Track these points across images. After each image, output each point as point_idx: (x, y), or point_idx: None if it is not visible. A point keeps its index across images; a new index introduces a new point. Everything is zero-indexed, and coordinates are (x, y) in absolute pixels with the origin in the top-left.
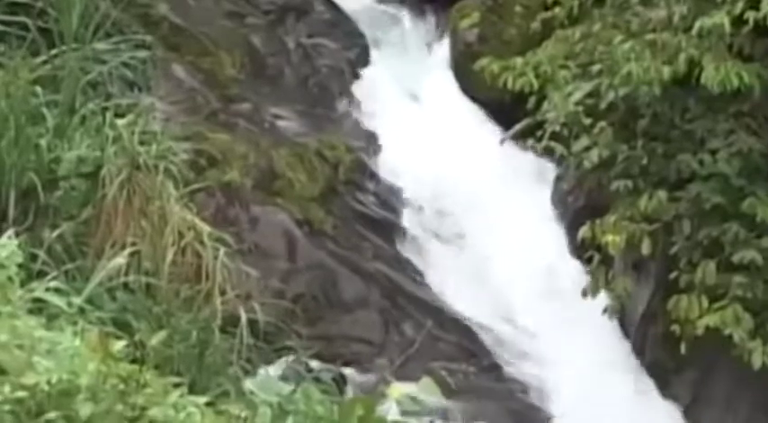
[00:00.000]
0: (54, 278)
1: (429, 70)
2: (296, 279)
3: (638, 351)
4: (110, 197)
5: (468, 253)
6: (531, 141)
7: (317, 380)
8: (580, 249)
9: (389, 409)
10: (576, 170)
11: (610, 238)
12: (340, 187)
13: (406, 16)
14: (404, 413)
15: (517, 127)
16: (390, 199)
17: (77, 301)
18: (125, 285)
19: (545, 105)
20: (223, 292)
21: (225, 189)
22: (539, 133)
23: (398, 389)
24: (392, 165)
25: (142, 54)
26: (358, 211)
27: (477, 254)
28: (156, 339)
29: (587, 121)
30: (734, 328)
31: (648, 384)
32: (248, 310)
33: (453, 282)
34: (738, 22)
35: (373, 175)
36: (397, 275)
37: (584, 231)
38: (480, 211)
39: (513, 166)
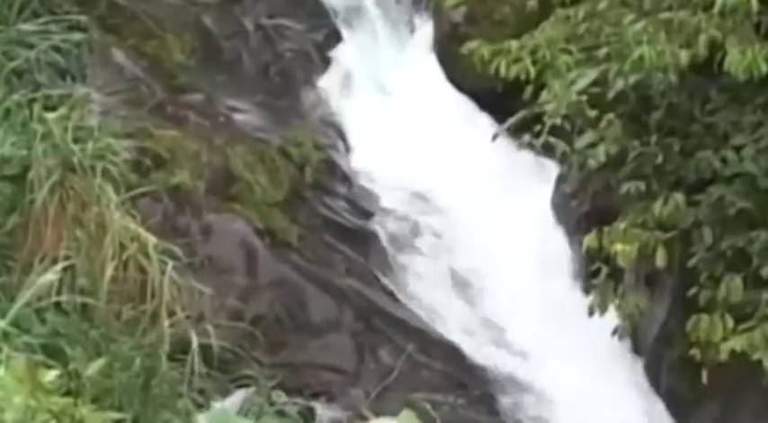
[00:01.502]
0: None
1: (409, 54)
2: (256, 298)
3: (652, 379)
4: (39, 203)
5: (456, 267)
6: (527, 137)
7: (281, 414)
8: (585, 261)
9: None
10: (580, 170)
11: (619, 247)
12: (307, 191)
13: None
14: None
15: (511, 121)
16: (365, 205)
17: (1, 323)
18: (57, 305)
19: (544, 95)
20: (171, 313)
21: (173, 193)
22: (536, 128)
23: None
24: (367, 165)
25: (76, 37)
26: (328, 218)
27: (465, 267)
28: (93, 368)
29: (593, 113)
30: (763, 353)
31: (664, 417)
32: (201, 334)
33: (438, 299)
34: None
35: (345, 178)
36: (373, 293)
37: (589, 240)
38: (469, 219)
39: (506, 166)
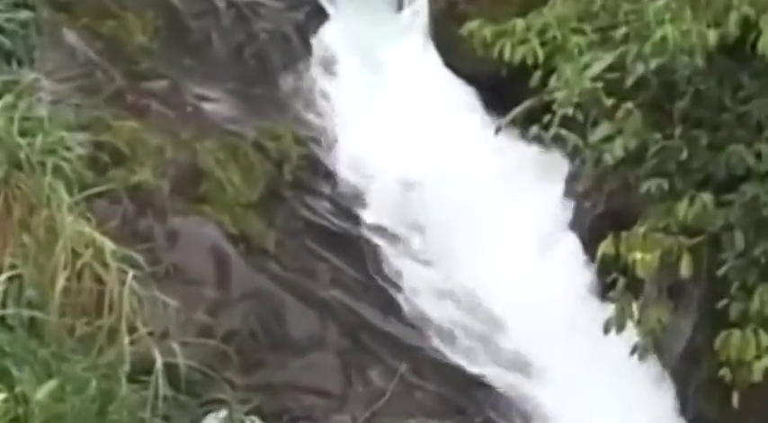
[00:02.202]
0: None
1: (401, 36)
2: (228, 311)
3: (678, 402)
4: None
5: (455, 276)
6: (534, 129)
7: None
8: (600, 270)
9: None
10: (595, 166)
11: (639, 255)
12: (285, 191)
13: None
14: None
15: (517, 110)
16: (352, 205)
17: None
18: (2, 320)
19: (553, 82)
20: (132, 329)
21: (134, 194)
22: (545, 118)
23: None
24: (354, 160)
25: (22, 15)
26: (309, 221)
27: (465, 277)
28: (42, 392)
29: (609, 101)
30: None
31: None
32: (165, 352)
33: (435, 313)
34: None
35: (330, 175)
36: (361, 306)
37: (605, 246)
38: (470, 222)
39: (511, 163)
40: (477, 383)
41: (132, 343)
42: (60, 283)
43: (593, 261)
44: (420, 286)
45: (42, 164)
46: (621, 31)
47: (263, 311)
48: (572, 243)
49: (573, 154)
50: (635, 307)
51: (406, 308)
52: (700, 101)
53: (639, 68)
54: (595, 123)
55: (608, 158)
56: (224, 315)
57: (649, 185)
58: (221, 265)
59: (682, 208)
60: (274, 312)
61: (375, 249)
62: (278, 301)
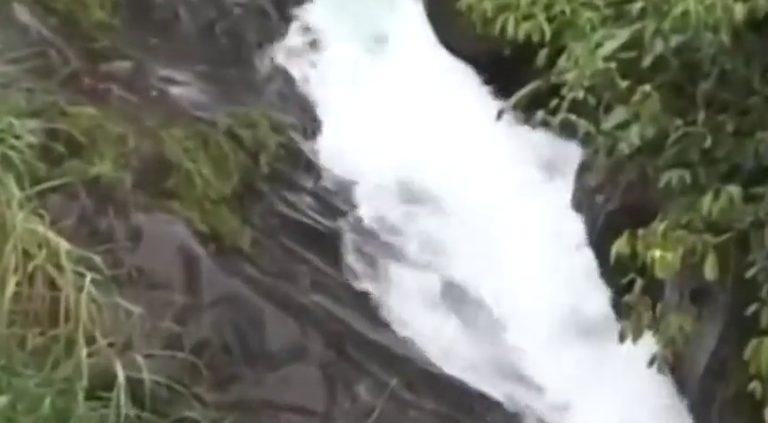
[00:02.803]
0: None
1: (392, 11)
2: (198, 319)
3: (700, 420)
4: None
5: (452, 278)
6: (541, 115)
7: None
8: (614, 271)
9: None
10: (608, 156)
11: (658, 254)
12: (262, 184)
13: None
14: None
15: (521, 94)
16: (337, 201)
17: None
18: None
19: (562, 62)
20: (91, 340)
21: (92, 188)
22: (552, 103)
23: None
24: (339, 150)
25: None
26: (289, 218)
27: (464, 280)
28: None
29: (624, 83)
30: None
31: None
32: (128, 366)
33: (430, 320)
34: None
35: (312, 166)
36: (347, 313)
37: (620, 245)
38: (468, 218)
39: (514, 152)
40: (478, 399)
41: (91, 355)
42: (10, 288)
43: (606, 261)
44: (413, 291)
45: None
46: (638, 5)
47: (238, 319)
48: (583, 241)
49: (584, 142)
50: (653, 313)
51: (397, 315)
52: (725, 82)
53: (658, 47)
54: (609, 108)
55: (623, 147)
56: (193, 324)
57: (669, 177)
58: (190, 267)
59: (706, 202)
60: (250, 320)
61: (361, 249)
62: (254, 307)
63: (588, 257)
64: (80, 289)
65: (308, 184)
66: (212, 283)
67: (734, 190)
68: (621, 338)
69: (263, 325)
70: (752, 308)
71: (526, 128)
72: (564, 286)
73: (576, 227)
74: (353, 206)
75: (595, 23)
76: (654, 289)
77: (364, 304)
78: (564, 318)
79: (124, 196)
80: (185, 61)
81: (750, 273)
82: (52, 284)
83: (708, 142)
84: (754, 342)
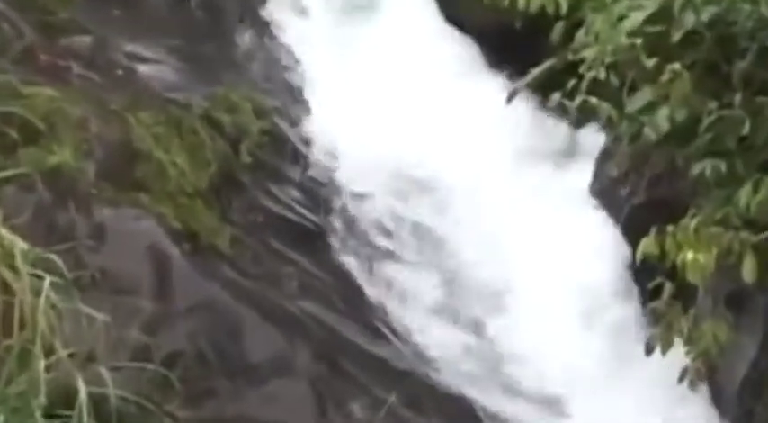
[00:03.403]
0: None
1: None
2: (171, 328)
3: None
4: None
5: (456, 283)
6: (556, 97)
7: None
8: (640, 274)
9: None
10: (633, 143)
11: (690, 255)
12: (243, 175)
13: None
14: None
15: (534, 73)
16: (327, 194)
17: None
18: None
19: (580, 37)
20: (49, 351)
21: (50, 179)
22: (570, 83)
23: None
24: (330, 138)
25: None
26: (274, 214)
27: (469, 284)
28: None
29: (650, 61)
30: None
31: None
32: (92, 380)
33: (433, 329)
34: None
35: (299, 156)
36: (338, 321)
37: (646, 245)
38: (473, 215)
39: (526, 139)
40: (485, 417)
41: (49, 368)
42: None
43: (631, 262)
44: (414, 296)
45: None
46: None
47: (215, 328)
48: (604, 240)
49: (605, 128)
50: (685, 321)
51: (396, 323)
52: (765, 60)
53: (689, 20)
54: (633, 89)
55: (649, 133)
56: (165, 332)
57: (702, 167)
58: (161, 269)
59: (743, 195)
60: (229, 329)
61: (355, 249)
62: (233, 314)
63: (610, 258)
64: (37, 293)
65: (296, 175)
66: (186, 286)
67: None
68: (648, 350)
69: (244, 334)
70: None
71: (540, 112)
72: (581, 290)
73: (596, 223)
74: (346, 200)
75: None
76: (685, 294)
77: (359, 311)
78: (581, 326)
79: (86, 189)
80: (155, 35)
81: None
82: (5, 288)
83: (746, 127)
84: None
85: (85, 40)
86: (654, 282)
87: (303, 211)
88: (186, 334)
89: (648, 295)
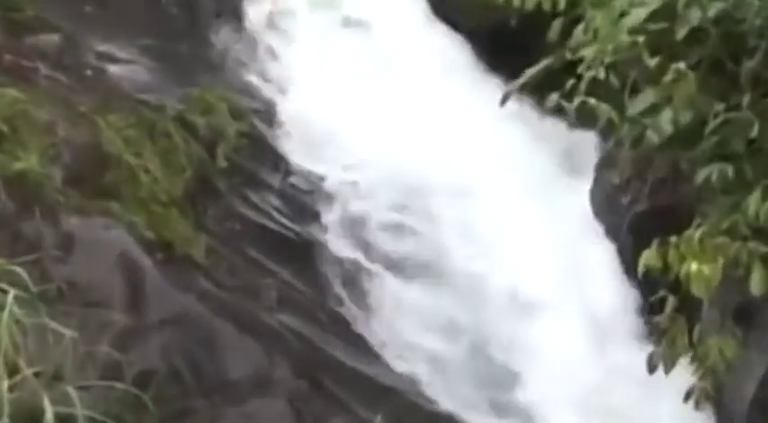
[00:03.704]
0: None
1: None
2: (143, 343)
3: None
4: None
5: (449, 297)
6: (553, 98)
7: None
8: (642, 287)
9: None
10: (635, 148)
11: (694, 267)
12: (220, 182)
13: None
14: None
15: (530, 73)
16: (310, 202)
17: None
18: None
19: (579, 35)
20: (13, 370)
21: (15, 186)
22: (568, 84)
23: None
24: (313, 141)
25: None
26: (252, 222)
27: (463, 298)
28: None
29: (653, 61)
30: None
31: None
32: (58, 400)
33: (423, 345)
34: None
35: (279, 160)
36: (321, 336)
37: (648, 256)
38: (467, 223)
39: (521, 144)
40: None
41: (13, 388)
42: None
43: (632, 274)
44: (402, 310)
45: None
46: None
47: (190, 343)
48: (603, 249)
49: (605, 131)
50: (689, 337)
51: (383, 338)
52: None
53: (694, 16)
54: (635, 90)
55: (652, 137)
56: (137, 348)
57: (708, 172)
58: (133, 280)
59: (752, 202)
60: (205, 344)
61: (341, 259)
62: (210, 329)
63: (610, 271)
64: (0, 308)
65: (276, 181)
66: (159, 299)
67: None
68: (651, 368)
69: (221, 349)
70: None
71: (536, 114)
72: (582, 305)
73: (595, 234)
74: (331, 207)
75: None
76: (689, 308)
77: (343, 325)
78: (582, 343)
79: (53, 196)
80: (127, 34)
81: None
82: None
83: (754, 130)
84: None
85: (53, 38)
86: (656, 295)
87: (283, 219)
88: (159, 350)
89: (651, 309)
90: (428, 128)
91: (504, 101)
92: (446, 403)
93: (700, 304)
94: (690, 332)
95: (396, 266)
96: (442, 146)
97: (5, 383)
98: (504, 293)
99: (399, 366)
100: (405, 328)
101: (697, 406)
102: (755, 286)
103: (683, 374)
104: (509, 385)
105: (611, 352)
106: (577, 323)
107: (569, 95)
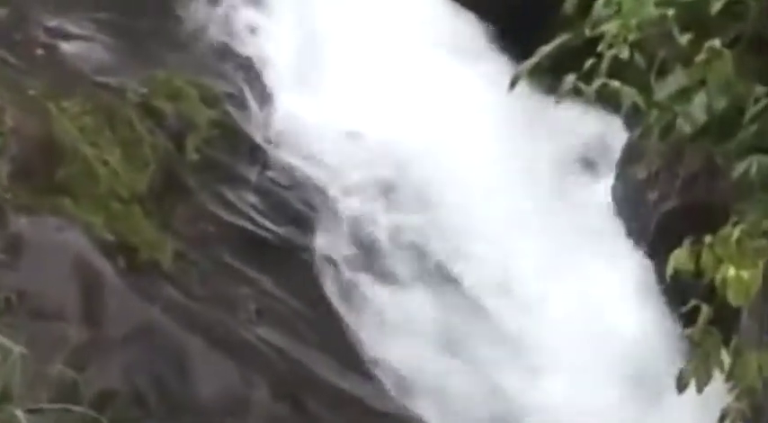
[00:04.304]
0: None
1: None
2: (102, 361)
3: None
4: None
5: (453, 307)
6: (570, 81)
7: None
8: (672, 294)
9: None
10: (664, 137)
11: (731, 271)
12: (189, 176)
13: None
14: None
15: (543, 52)
16: (292, 199)
17: None
18: None
19: (598, 8)
20: None
21: None
22: (587, 64)
23: None
24: (296, 130)
25: None
26: (226, 223)
27: (469, 309)
28: None
29: (684, 38)
30: None
31: None
32: None
33: (421, 361)
34: None
35: (257, 152)
36: (304, 352)
37: (678, 259)
38: (471, 223)
39: (534, 133)
40: None
41: None
42: None
43: (660, 280)
44: (399, 323)
45: None
46: None
47: (155, 360)
48: (626, 252)
49: (629, 119)
50: (725, 351)
51: (373, 354)
52: None
53: None
54: (664, 71)
55: (683, 125)
56: (95, 366)
57: (746, 166)
58: (90, 290)
59: None
60: (172, 362)
61: (326, 265)
62: (178, 344)
63: (634, 275)
64: None
65: (253, 176)
66: (121, 311)
67: None
68: (681, 386)
69: (190, 368)
70: None
71: (550, 99)
72: (601, 316)
73: (618, 233)
74: (316, 206)
75: None
76: (725, 318)
77: (331, 340)
78: (603, 359)
79: None
80: (82, 7)
81: None
82: None
83: None
84: None
85: None
86: (688, 304)
87: (263, 219)
88: (120, 368)
89: (681, 320)
90: (426, 114)
91: (513, 83)
92: None
93: (737, 314)
94: (725, 345)
95: (394, 274)
96: (443, 136)
97: None
98: (510, 303)
99: (393, 388)
100: (402, 345)
101: None
102: None
103: (718, 394)
104: (519, 415)
105: (633, 367)
106: (598, 346)
107: (588, 77)
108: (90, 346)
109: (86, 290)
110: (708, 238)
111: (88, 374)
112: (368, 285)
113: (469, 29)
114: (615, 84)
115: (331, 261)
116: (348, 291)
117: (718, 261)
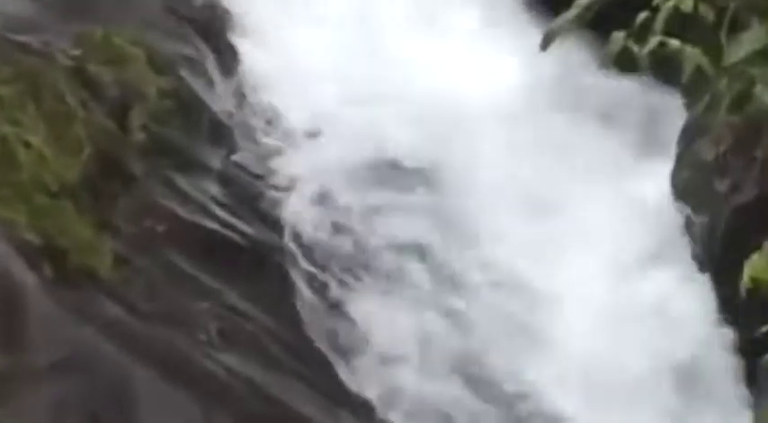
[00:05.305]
0: None
1: None
2: (27, 395)
3: None
4: None
5: (456, 320)
6: (618, 38)
7: None
8: (746, 309)
9: None
10: (736, 111)
11: None
12: (134, 162)
13: None
14: None
15: (581, 4)
16: (263, 190)
17: None
18: None
19: None
20: None
21: None
22: (638, 19)
23: None
24: (269, 102)
25: None
26: (181, 220)
27: (476, 323)
28: None
29: None
30: None
31: None
32: None
33: (418, 387)
34: None
35: (220, 132)
36: (278, 380)
37: (755, 265)
38: (484, 216)
39: (571, 107)
40: None
41: None
42: None
43: (730, 287)
44: (393, 341)
45: None
46: None
47: (93, 392)
48: (690, 261)
49: (692, 89)
50: None
51: (366, 386)
52: None
53: None
54: (736, 27)
55: (762, 94)
56: (17, 402)
57: None
58: (10, 305)
59: None
60: (113, 396)
61: (309, 273)
62: (120, 374)
63: (698, 283)
64: None
65: (215, 161)
66: (48, 333)
67: None
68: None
69: (136, 403)
70: None
71: (589, 65)
72: (652, 333)
73: (677, 233)
74: (295, 199)
75: None
76: None
77: (309, 366)
78: (655, 384)
79: None
80: None
81: None
82: None
83: None
84: None
85: None
86: (763, 326)
87: (226, 215)
88: (49, 404)
89: (756, 343)
90: (434, 83)
91: (546, 43)
92: None
93: None
94: None
95: (387, 286)
96: (454, 110)
97: None
98: (528, 315)
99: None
100: (397, 373)
101: None
102: None
103: None
104: None
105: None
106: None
107: (640, 35)
108: (10, 377)
109: (4, 306)
110: None
111: (8, 411)
112: (350, 296)
113: None
114: (675, 43)
115: (307, 267)
116: (327, 302)
117: None
